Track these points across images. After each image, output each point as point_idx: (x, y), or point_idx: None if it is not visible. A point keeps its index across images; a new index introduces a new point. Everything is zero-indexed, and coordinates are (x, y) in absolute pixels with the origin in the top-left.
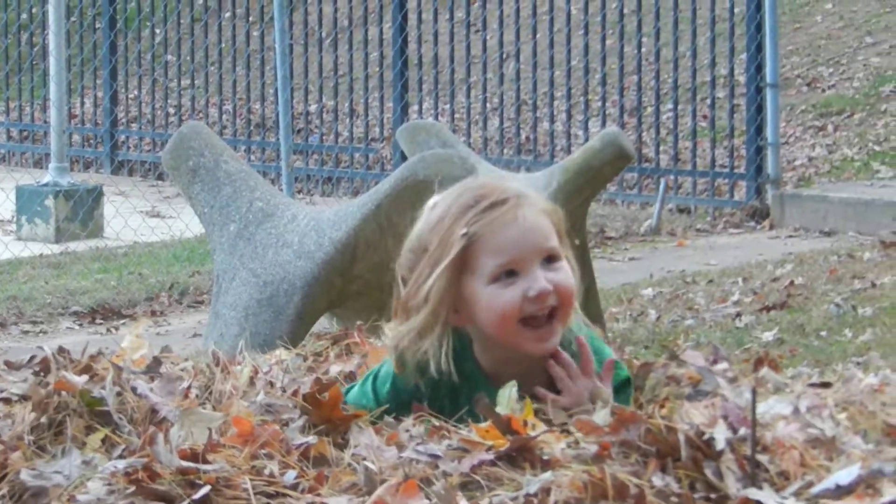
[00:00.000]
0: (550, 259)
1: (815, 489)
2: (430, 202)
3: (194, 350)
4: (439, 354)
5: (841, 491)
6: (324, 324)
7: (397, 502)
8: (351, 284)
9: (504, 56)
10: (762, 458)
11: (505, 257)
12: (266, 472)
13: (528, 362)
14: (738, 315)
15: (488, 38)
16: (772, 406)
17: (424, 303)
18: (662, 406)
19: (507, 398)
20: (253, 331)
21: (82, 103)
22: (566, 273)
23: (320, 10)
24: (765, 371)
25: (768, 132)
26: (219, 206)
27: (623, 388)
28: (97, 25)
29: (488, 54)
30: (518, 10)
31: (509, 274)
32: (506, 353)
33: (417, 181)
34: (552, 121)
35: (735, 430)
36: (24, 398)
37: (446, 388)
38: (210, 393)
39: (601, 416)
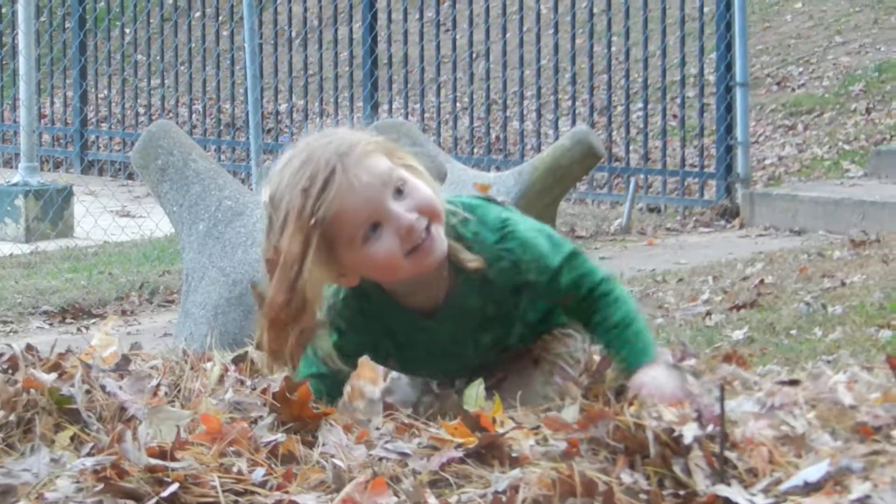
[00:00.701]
0: (399, 190)
1: (783, 486)
2: (265, 195)
3: (164, 348)
4: (349, 326)
5: (809, 488)
6: None
7: (366, 500)
8: None
9: (474, 55)
10: (731, 454)
11: (361, 218)
12: (234, 469)
13: (427, 277)
14: (709, 314)
15: (458, 37)
16: (741, 403)
17: (304, 301)
18: (632, 403)
19: (475, 397)
20: (222, 329)
21: (52, 103)
22: (418, 189)
23: (290, 10)
24: (733, 368)
25: (738, 131)
26: (188, 204)
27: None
28: (67, 25)
29: (458, 53)
30: (488, 10)
31: (374, 227)
32: (407, 280)
33: None
34: (522, 120)
35: (704, 427)
36: None
37: (379, 334)
38: (179, 391)
39: (570, 413)
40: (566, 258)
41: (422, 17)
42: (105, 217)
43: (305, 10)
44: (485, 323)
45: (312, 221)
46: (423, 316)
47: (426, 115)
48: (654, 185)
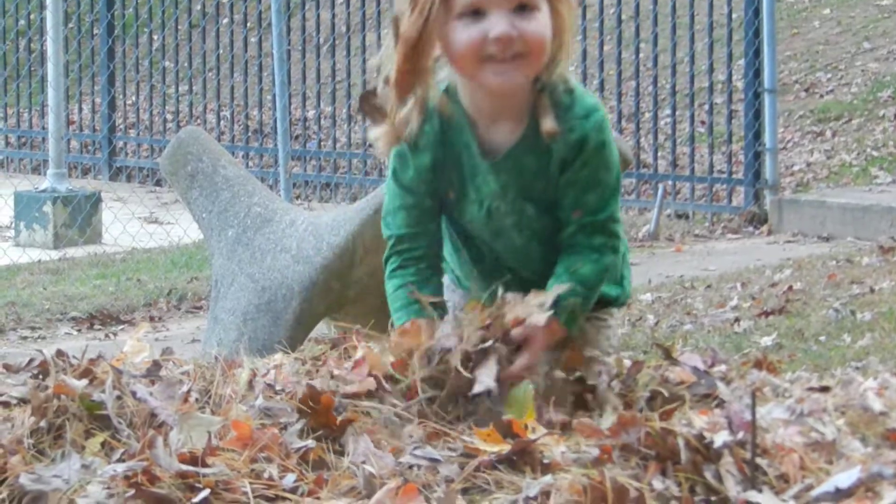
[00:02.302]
0: (524, 7)
1: (814, 492)
2: None
3: (194, 354)
4: (432, 90)
5: (841, 494)
6: (322, 329)
7: None
8: (349, 289)
9: None
10: (762, 461)
11: None
12: (265, 475)
13: (502, 104)
14: (737, 320)
15: None
16: (771, 410)
17: (430, 39)
18: (664, 411)
19: (522, 398)
20: (251, 336)
21: (80, 109)
22: (538, 23)
23: (318, 16)
24: (763, 374)
25: (766, 138)
26: (217, 211)
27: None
28: (95, 31)
29: None
30: None
31: (476, 13)
32: (482, 94)
33: None
34: None
35: (735, 434)
36: (23, 402)
37: (450, 161)
38: (209, 397)
39: (606, 421)
40: (610, 186)
41: None
42: (133, 223)
43: (333, 16)
44: (531, 193)
45: None
46: (486, 156)
47: None
48: (682, 191)
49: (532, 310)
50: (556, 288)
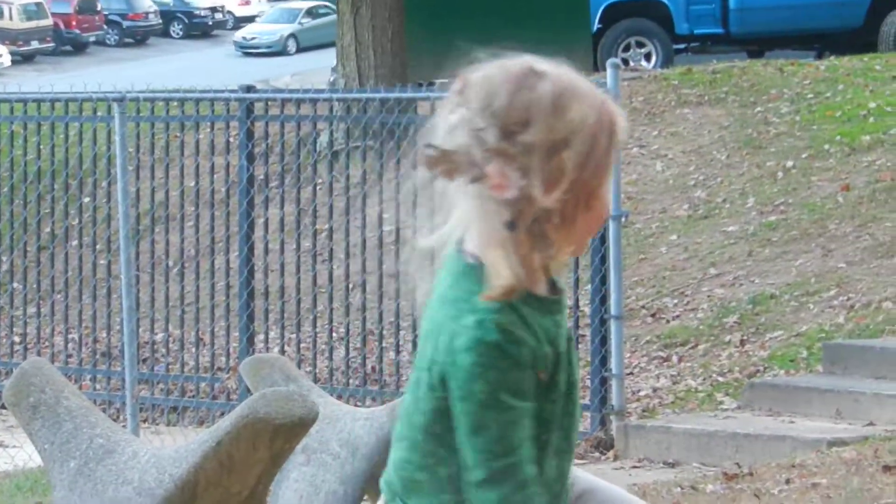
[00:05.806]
0: None
1: None
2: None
3: None
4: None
5: None
6: None
7: None
8: None
9: (350, 286)
10: None
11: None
12: None
13: None
14: None
15: (335, 268)
16: None
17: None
18: None
19: None
20: None
21: None
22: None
23: (167, 240)
24: None
25: (613, 363)
26: (59, 442)
27: None
28: None
29: (334, 284)
30: (364, 241)
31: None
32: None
33: (258, 419)
34: (398, 351)
35: None
36: None
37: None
38: None
39: None
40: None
41: (299, 247)
42: None
43: (183, 239)
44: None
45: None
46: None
47: (302, 345)
48: None
49: None
50: None
